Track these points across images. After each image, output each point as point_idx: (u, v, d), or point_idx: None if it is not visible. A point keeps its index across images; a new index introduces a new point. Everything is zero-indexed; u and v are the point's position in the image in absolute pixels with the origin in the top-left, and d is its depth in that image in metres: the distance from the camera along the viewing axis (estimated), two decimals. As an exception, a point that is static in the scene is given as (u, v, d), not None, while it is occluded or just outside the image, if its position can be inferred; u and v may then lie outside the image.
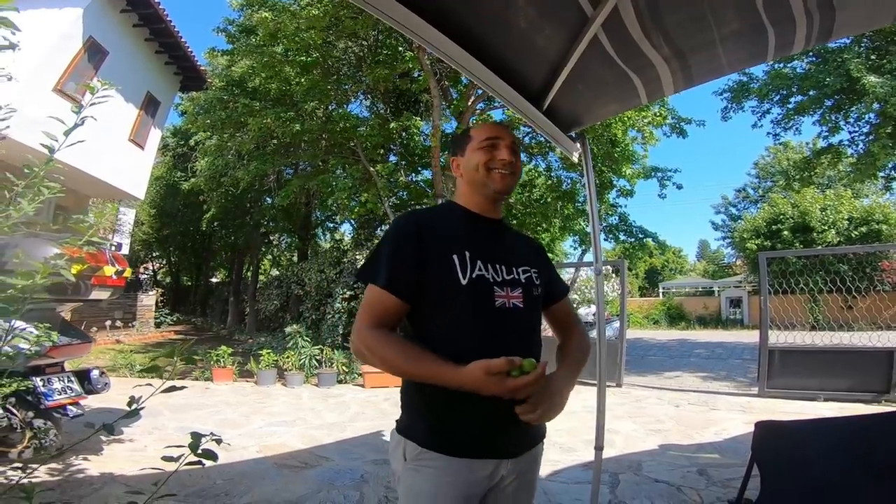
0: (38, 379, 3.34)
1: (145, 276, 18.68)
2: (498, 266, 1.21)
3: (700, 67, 2.00)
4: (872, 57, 8.83)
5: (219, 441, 1.27)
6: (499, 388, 1.00)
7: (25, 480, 1.31)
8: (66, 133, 1.77)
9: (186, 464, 1.23)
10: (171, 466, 1.26)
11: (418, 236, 1.17)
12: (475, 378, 1.00)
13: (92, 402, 3.97)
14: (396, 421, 1.24)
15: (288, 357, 7.77)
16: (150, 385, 1.25)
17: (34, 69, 7.46)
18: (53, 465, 3.56)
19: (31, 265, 1.61)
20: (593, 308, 14.24)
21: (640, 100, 2.25)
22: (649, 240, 11.51)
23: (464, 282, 1.14)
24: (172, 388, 1.27)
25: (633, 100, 2.27)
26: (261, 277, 17.22)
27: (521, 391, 1.02)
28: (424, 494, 1.12)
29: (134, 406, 1.23)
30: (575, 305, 15.02)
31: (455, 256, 1.16)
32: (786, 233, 18.46)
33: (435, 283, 1.15)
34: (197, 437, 1.24)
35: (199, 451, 1.22)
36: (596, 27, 1.71)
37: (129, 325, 13.42)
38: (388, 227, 1.29)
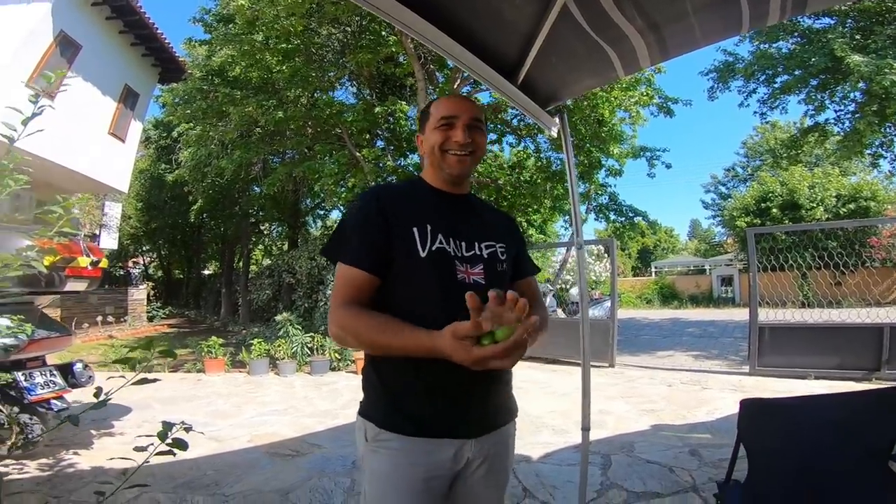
0: (20, 373, 3.30)
1: (136, 270, 18.50)
2: (459, 241, 1.18)
3: (674, 39, 1.96)
4: (857, 37, 8.84)
5: (188, 429, 1.24)
6: (464, 355, 0.93)
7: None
8: (24, 122, 1.73)
9: (157, 453, 1.21)
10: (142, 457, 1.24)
11: (381, 209, 1.15)
12: (445, 342, 0.95)
13: (80, 396, 3.94)
14: (360, 403, 1.22)
15: (279, 346, 7.76)
16: (123, 377, 1.23)
17: (4, 66, 7.29)
18: (44, 461, 3.55)
19: (1, 257, 1.58)
20: (585, 289, 14.33)
21: (617, 73, 2.21)
22: (640, 219, 11.53)
23: (423, 254, 1.12)
24: (144, 381, 1.25)
25: (609, 73, 2.23)
26: (252, 267, 17.16)
27: (487, 362, 0.91)
28: (384, 476, 1.10)
29: (102, 397, 1.21)
30: (567, 287, 15.05)
31: (415, 229, 1.14)
32: (775, 210, 18.59)
33: (396, 256, 1.13)
34: (167, 426, 1.22)
35: (169, 441, 1.20)
36: (566, -4, 1.67)
37: (121, 319, 13.34)
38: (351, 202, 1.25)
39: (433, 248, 1.13)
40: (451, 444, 1.11)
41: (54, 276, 3.18)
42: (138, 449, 1.21)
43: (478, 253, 1.20)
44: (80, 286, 3.50)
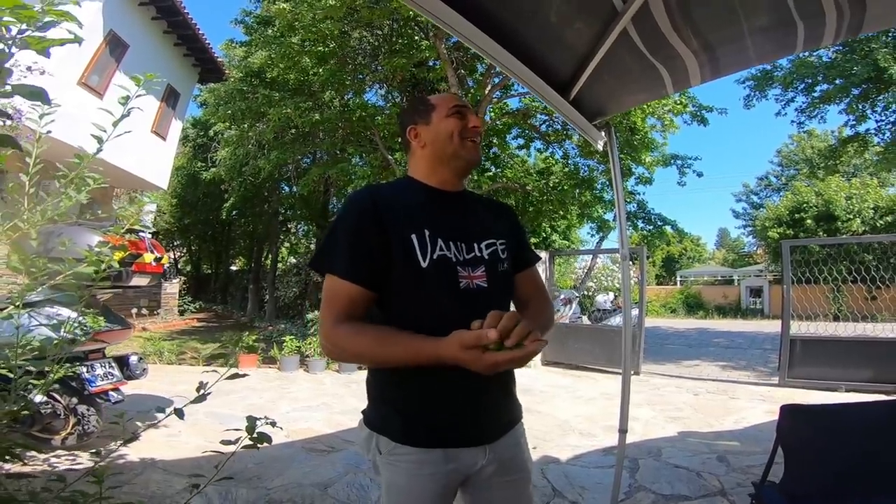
0: (82, 365, 3.42)
1: (168, 264, 19.01)
2: (459, 244, 1.13)
3: (728, 59, 2.01)
4: (901, 47, 8.67)
5: (273, 424, 1.34)
6: (476, 363, 0.90)
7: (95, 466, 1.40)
8: (115, 123, 1.83)
9: (242, 447, 1.31)
10: (228, 449, 1.34)
11: (376, 214, 1.07)
12: (453, 351, 0.92)
13: (125, 388, 4.09)
14: (363, 412, 1.20)
15: (310, 343, 7.93)
16: (216, 371, 1.33)
17: (58, 63, 7.61)
18: (95, 452, 3.69)
19: (78, 253, 1.69)
20: (611, 295, 14.23)
21: (667, 90, 2.27)
22: (668, 227, 11.43)
23: (424, 264, 1.06)
24: (236, 376, 1.35)
25: (660, 90, 2.29)
26: (279, 265, 17.50)
27: (499, 366, 0.89)
28: (403, 488, 1.09)
29: (202, 392, 1.31)
30: (591, 293, 14.95)
31: (414, 236, 1.07)
32: (809, 221, 18.15)
33: (395, 266, 1.06)
34: (252, 420, 1.31)
35: (255, 435, 1.30)
36: (625, 21, 1.74)
37: (155, 312, 13.73)
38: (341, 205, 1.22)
39: (434, 257, 1.08)
40: (467, 451, 1.11)
41: (122, 271, 3.33)
42: (225, 442, 1.31)
43: (478, 254, 1.15)
44: (143, 281, 3.66)
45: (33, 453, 3.24)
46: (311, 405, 5.52)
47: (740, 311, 22.96)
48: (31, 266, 1.72)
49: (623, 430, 2.40)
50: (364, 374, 1.22)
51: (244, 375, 1.39)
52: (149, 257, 3.52)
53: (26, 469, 3.12)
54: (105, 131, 1.86)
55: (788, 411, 1.78)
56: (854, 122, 10.02)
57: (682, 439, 4.21)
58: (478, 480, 1.15)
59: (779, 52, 2.09)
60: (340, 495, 3.14)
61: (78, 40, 1.28)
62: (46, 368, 1.61)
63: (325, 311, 1.06)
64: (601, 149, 2.55)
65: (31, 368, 1.51)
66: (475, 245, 1.16)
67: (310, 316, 8.70)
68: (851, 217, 17.54)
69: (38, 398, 3.18)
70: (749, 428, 4.50)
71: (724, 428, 4.56)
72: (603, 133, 2.52)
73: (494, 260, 1.18)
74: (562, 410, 5.27)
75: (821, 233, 17.39)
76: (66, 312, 2.45)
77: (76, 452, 3.49)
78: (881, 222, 17.36)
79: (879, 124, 10.01)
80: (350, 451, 3.93)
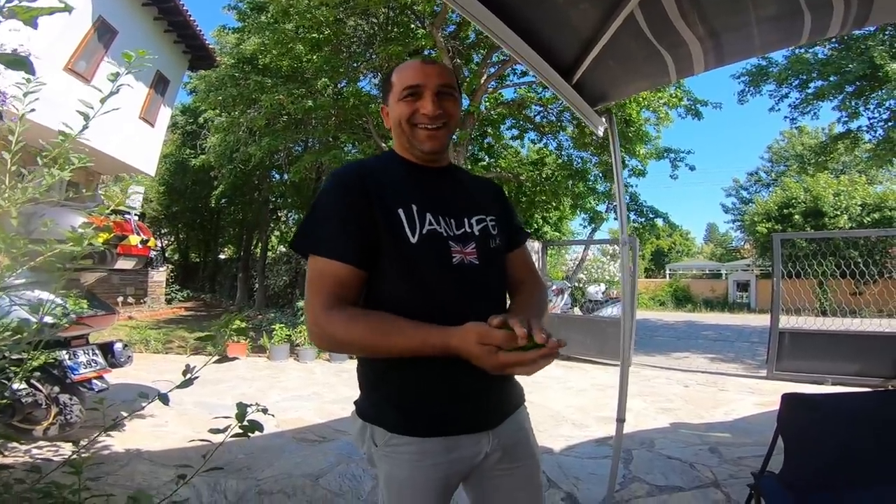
0: (64, 352, 3.30)
1: (155, 252, 18.77)
2: (448, 219, 1.06)
3: (732, 47, 1.98)
4: (897, 45, 8.73)
5: (265, 411, 1.29)
6: (488, 362, 0.85)
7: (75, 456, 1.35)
8: (103, 100, 1.76)
9: (232, 436, 1.26)
10: (217, 438, 1.29)
11: (364, 188, 1.00)
12: (468, 346, 0.87)
13: (109, 376, 3.97)
14: (355, 402, 1.13)
15: (300, 332, 7.86)
16: (205, 356, 1.28)
17: (45, 48, 7.42)
18: (76, 443, 3.59)
19: (60, 234, 1.62)
20: (602, 286, 14.29)
21: (670, 77, 2.24)
22: (659, 220, 11.48)
23: (413, 240, 1.00)
24: (224, 359, 1.30)
25: (663, 77, 2.25)
26: (269, 254, 17.34)
27: (511, 368, 0.85)
28: (403, 480, 1.02)
29: (189, 376, 1.25)
30: (582, 284, 15.00)
31: (401, 211, 1.00)
32: (797, 217, 18.30)
33: (383, 243, 1.00)
34: (242, 407, 1.26)
35: (245, 423, 1.25)
36: (633, 5, 1.69)
37: (141, 301, 13.56)
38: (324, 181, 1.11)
39: (424, 232, 1.01)
40: (468, 438, 1.05)
41: (107, 253, 3.20)
42: (214, 431, 1.26)
43: (468, 230, 1.09)
44: (128, 264, 3.55)
45: (14, 444, 3.16)
46: (302, 394, 5.46)
47: (727, 305, 23.18)
48: (12, 246, 1.65)
49: (621, 420, 2.39)
50: (355, 363, 1.15)
51: (233, 359, 1.34)
52: (135, 239, 3.41)
53: (7, 460, 3.05)
54: (92, 108, 1.79)
55: (789, 400, 1.76)
56: (847, 119, 10.09)
57: (675, 430, 4.23)
58: (482, 471, 1.10)
59: (784, 41, 2.06)
60: (332, 486, 3.10)
61: (68, 9, 1.21)
62: (25, 354, 1.54)
63: (311, 296, 0.97)
64: (601, 134, 2.52)
65: (9, 354, 1.44)
66: (465, 220, 1.09)
67: (300, 304, 8.63)
68: (839, 213, 17.72)
69: (18, 386, 3.07)
70: (739, 420, 4.54)
71: (715, 419, 4.58)
72: (604, 119, 2.49)
73: (486, 236, 1.11)
74: (554, 401, 5.27)
75: (808, 228, 17.55)
76: (47, 296, 2.37)
77: (59, 443, 3.39)
78: (868, 219, 17.53)
79: (872, 121, 10.11)
80: (342, 440, 3.89)
